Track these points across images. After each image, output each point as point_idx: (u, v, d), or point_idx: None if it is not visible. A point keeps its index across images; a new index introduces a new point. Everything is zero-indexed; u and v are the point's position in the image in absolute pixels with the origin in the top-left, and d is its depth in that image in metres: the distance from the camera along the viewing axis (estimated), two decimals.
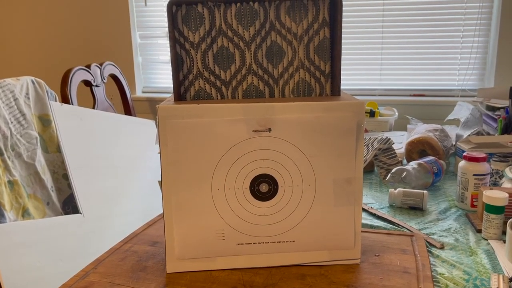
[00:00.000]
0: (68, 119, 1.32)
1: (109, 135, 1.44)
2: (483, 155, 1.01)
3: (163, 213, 0.73)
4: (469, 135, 1.31)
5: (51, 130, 1.28)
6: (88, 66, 1.62)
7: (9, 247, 1.07)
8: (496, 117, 1.38)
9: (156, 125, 0.71)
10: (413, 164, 1.16)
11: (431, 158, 1.20)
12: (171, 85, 0.76)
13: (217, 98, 0.77)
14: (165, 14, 2.27)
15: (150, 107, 2.31)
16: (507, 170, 1.01)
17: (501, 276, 0.72)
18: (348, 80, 2.11)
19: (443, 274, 0.74)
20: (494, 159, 1.11)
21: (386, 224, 0.95)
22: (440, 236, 0.89)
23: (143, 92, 2.38)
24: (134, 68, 2.32)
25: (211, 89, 0.77)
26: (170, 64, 2.29)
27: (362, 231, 0.87)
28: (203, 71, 0.76)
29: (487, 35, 1.95)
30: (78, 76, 1.53)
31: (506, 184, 1.00)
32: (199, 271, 0.74)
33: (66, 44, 2.38)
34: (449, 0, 1.95)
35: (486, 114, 1.46)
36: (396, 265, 0.74)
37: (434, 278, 0.73)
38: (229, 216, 0.73)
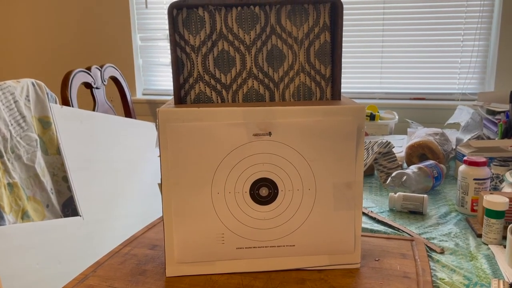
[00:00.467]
0: (68, 121, 1.32)
1: (109, 137, 1.44)
2: (484, 159, 1.01)
3: (162, 216, 0.73)
4: (469, 139, 1.31)
5: (51, 132, 1.28)
6: (89, 68, 1.62)
7: (9, 249, 1.07)
8: (496, 121, 1.38)
9: (156, 128, 0.71)
10: (413, 168, 1.16)
11: (431, 162, 1.20)
12: (171, 88, 0.76)
13: (218, 102, 0.77)
14: (166, 16, 2.26)
15: (150, 109, 2.31)
16: (507, 175, 1.01)
17: (501, 282, 0.71)
18: (348, 84, 2.11)
19: (443, 279, 0.74)
20: (494, 163, 1.11)
21: (386, 228, 0.95)
22: (440, 241, 0.89)
23: (143, 94, 2.38)
24: (135, 70, 2.32)
25: (211, 92, 0.77)
26: (170, 67, 2.29)
27: (362, 236, 0.86)
28: (204, 74, 0.76)
29: (488, 39, 1.95)
30: (79, 78, 1.53)
31: (506, 189, 1.00)
32: (199, 275, 0.74)
33: (67, 46, 2.38)
34: (449, 4, 1.95)
35: (487, 118, 1.46)
36: (396, 269, 0.74)
37: (434, 283, 0.73)
38: (229, 220, 0.73)
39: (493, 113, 1.49)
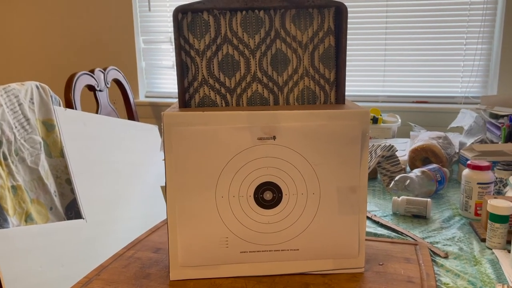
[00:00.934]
0: (72, 124, 1.32)
1: (112, 140, 1.45)
2: (487, 163, 1.01)
3: (166, 220, 0.73)
4: (472, 143, 1.31)
5: (55, 135, 1.28)
6: (92, 71, 1.62)
7: (12, 252, 1.07)
8: (499, 125, 1.38)
9: (161, 132, 0.71)
10: (416, 172, 1.16)
11: (434, 165, 1.20)
12: (174, 90, 0.76)
13: (222, 105, 0.78)
14: (169, 19, 2.27)
15: (153, 112, 2.31)
16: (511, 179, 1.01)
17: (505, 286, 0.71)
18: (351, 87, 2.11)
19: (447, 284, 0.74)
20: (498, 167, 1.11)
21: (389, 232, 0.95)
22: (444, 245, 0.88)
23: (146, 97, 2.38)
24: (138, 73, 2.32)
25: (216, 96, 0.77)
26: (173, 69, 2.30)
27: (365, 240, 0.86)
28: (208, 78, 0.77)
29: (490, 42, 1.95)
30: (82, 81, 1.54)
31: (510, 193, 1.00)
32: (203, 278, 0.74)
33: (70, 49, 2.39)
34: (452, 7, 1.95)
35: (490, 121, 1.46)
36: (400, 274, 0.74)
37: None
38: (233, 223, 0.73)
39: (496, 116, 1.49)
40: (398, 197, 1.06)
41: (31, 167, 1.20)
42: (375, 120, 1.72)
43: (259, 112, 0.70)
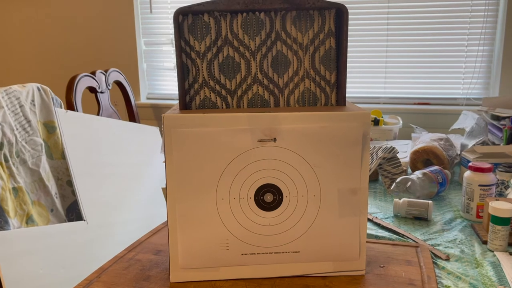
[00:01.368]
0: (73, 126, 1.33)
1: (113, 141, 1.45)
2: (489, 165, 1.00)
3: (167, 222, 0.72)
4: (474, 144, 1.30)
5: (56, 136, 1.28)
6: (93, 73, 1.63)
7: (13, 254, 1.07)
8: (501, 127, 1.37)
9: (161, 133, 0.71)
10: (417, 174, 1.15)
11: (435, 167, 1.19)
12: (176, 92, 0.76)
13: (222, 107, 0.78)
14: (170, 21, 2.28)
15: (154, 114, 2.31)
16: None
17: None
18: (353, 88, 2.11)
19: (449, 287, 0.73)
20: (499, 169, 1.10)
21: (390, 234, 0.94)
22: (445, 247, 0.88)
23: (148, 98, 2.39)
24: (139, 75, 2.33)
25: (216, 98, 0.77)
26: (174, 71, 2.30)
27: (366, 242, 0.86)
28: (209, 80, 0.77)
29: (492, 44, 1.94)
30: (83, 83, 1.54)
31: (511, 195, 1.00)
32: (203, 281, 0.74)
33: (72, 51, 2.39)
34: (454, 9, 1.95)
35: (491, 123, 1.45)
36: (401, 276, 0.74)
37: None
38: (234, 226, 0.73)
39: (498, 118, 1.48)
40: (400, 199, 1.06)
41: (32, 169, 1.21)
42: (376, 122, 1.71)
43: (259, 114, 0.70)
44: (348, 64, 2.03)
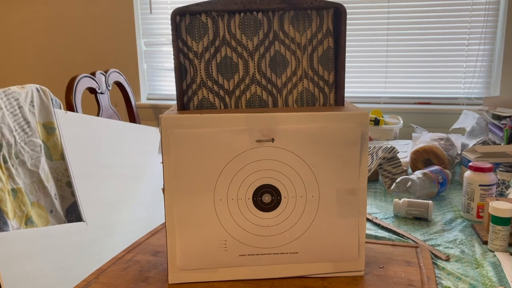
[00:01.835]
0: (72, 127, 1.32)
1: (113, 142, 1.44)
2: (489, 165, 1.00)
3: (165, 223, 0.72)
4: (474, 144, 1.30)
5: (55, 137, 1.28)
6: (93, 74, 1.62)
7: (12, 255, 1.07)
8: (502, 126, 1.37)
9: (160, 134, 0.71)
10: (418, 174, 1.15)
11: (436, 167, 1.19)
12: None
13: (220, 108, 0.77)
14: (170, 22, 2.27)
15: (154, 114, 2.31)
16: None
17: None
18: (353, 88, 2.11)
19: (449, 287, 0.73)
20: (500, 169, 1.10)
21: (390, 234, 0.94)
22: (445, 248, 0.88)
23: (148, 99, 2.39)
24: (139, 75, 2.33)
25: (214, 98, 0.77)
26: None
27: (366, 242, 0.86)
28: (207, 80, 0.76)
29: (493, 43, 1.94)
30: (83, 84, 1.54)
31: None
32: (201, 282, 0.73)
33: (71, 52, 2.39)
34: (454, 8, 1.94)
35: (492, 123, 1.45)
36: (400, 277, 0.73)
37: None
38: (232, 226, 0.72)
39: (498, 118, 1.48)
40: (400, 199, 1.06)
41: (31, 170, 1.20)
42: (376, 122, 1.71)
43: (257, 115, 0.69)
44: (348, 64, 2.03)
